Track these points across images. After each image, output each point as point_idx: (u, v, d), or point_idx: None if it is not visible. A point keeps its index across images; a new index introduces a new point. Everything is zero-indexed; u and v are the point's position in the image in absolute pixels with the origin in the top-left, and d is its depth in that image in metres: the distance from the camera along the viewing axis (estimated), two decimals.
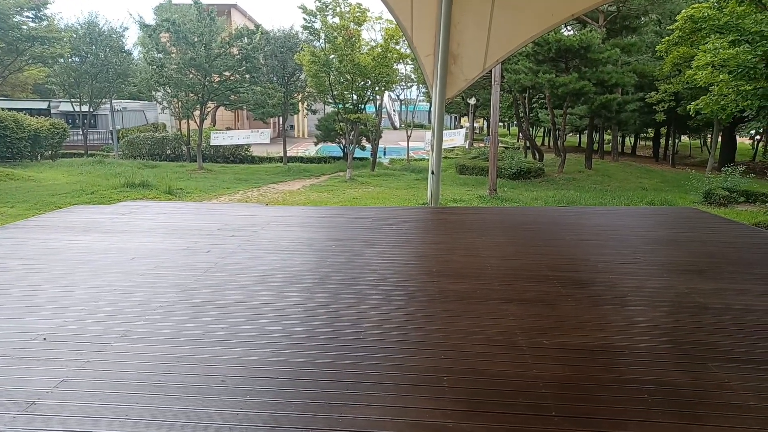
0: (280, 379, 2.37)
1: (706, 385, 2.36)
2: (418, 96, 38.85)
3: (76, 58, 25.79)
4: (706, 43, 14.21)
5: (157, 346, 2.66)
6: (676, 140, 31.73)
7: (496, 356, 2.63)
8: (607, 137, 31.12)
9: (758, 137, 33.80)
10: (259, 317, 3.05)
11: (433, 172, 7.97)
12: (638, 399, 2.24)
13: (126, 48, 27.79)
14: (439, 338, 2.84)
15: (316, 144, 29.65)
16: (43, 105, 30.51)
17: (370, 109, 25.61)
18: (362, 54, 19.86)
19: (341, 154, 27.12)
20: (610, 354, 2.66)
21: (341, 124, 22.76)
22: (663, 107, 23.27)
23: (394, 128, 49.97)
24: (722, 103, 14.44)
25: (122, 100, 30.44)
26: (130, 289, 3.47)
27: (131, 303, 3.22)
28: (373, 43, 21.27)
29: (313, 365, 2.50)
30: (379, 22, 22.87)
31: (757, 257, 4.61)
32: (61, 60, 24.16)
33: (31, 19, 18.35)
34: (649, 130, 33.94)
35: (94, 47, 25.71)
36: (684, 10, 15.51)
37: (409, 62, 26.91)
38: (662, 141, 34.12)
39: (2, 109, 21.15)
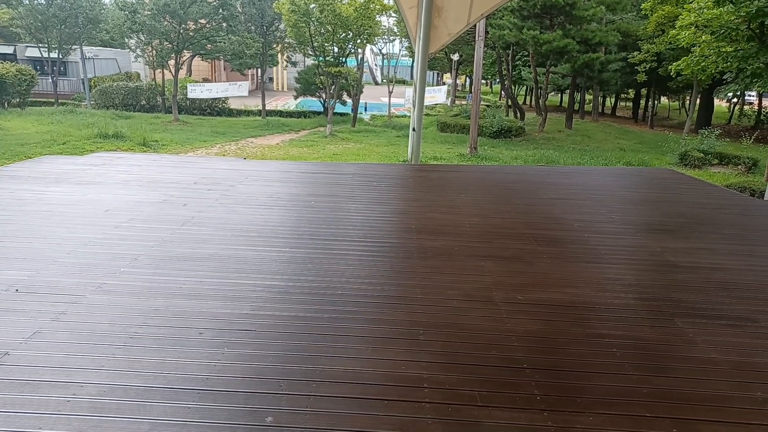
0: (257, 332, 2.38)
1: (672, 340, 2.44)
2: (400, 51, 38.01)
3: (43, 1, 24.48)
4: (691, 2, 14.10)
5: (132, 299, 2.64)
6: (656, 102, 31.89)
7: (472, 311, 2.68)
8: (588, 97, 31.10)
9: (735, 100, 34.17)
10: (237, 271, 3.03)
11: (414, 129, 7.90)
12: (607, 353, 2.31)
13: None
14: (416, 293, 2.87)
15: (295, 98, 29.02)
16: (8, 50, 29.05)
17: (351, 62, 25.05)
18: (344, 4, 19.25)
19: (321, 109, 26.65)
20: (582, 310, 2.73)
21: (322, 77, 22.25)
22: (645, 68, 23.24)
23: (376, 83, 49.14)
24: (703, 64, 14.48)
25: (93, 47, 29.16)
26: (104, 241, 3.42)
27: (106, 255, 3.17)
28: None
29: (291, 318, 2.52)
30: None
31: (727, 218, 4.73)
32: (26, 1, 22.92)
33: None
34: (630, 90, 33.99)
35: None
36: None
37: (392, 15, 26.22)
38: (642, 102, 34.26)
39: None
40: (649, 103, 31.35)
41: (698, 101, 26.01)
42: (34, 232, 3.53)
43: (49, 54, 25.97)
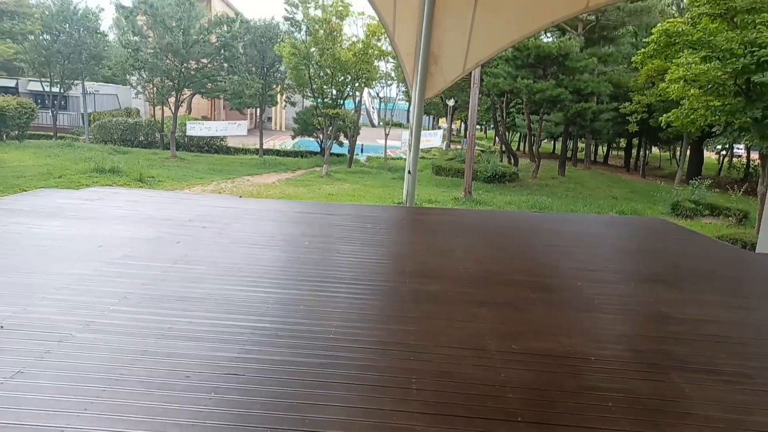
0: (246, 376, 2.33)
1: (667, 394, 2.41)
2: (397, 94, 38.82)
3: (48, 36, 25.00)
4: (680, 57, 14.57)
5: (121, 338, 2.59)
6: (647, 151, 32.50)
7: (466, 359, 2.64)
8: (580, 145, 31.68)
9: (724, 152, 34.87)
10: (228, 312, 2.99)
11: (409, 172, 7.98)
12: (603, 407, 2.27)
13: (101, 29, 27.07)
14: (409, 339, 2.84)
15: (293, 137, 29.41)
16: (11, 83, 29.47)
17: (349, 105, 25.52)
18: (343, 49, 19.77)
19: (318, 149, 26.96)
20: (576, 360, 2.70)
21: (320, 118, 22.62)
22: (636, 118, 23.79)
23: (373, 126, 49.88)
24: (692, 117, 14.84)
25: (95, 83, 29.64)
26: (95, 277, 3.38)
27: (96, 292, 3.13)
28: (354, 39, 21.18)
29: (280, 363, 2.47)
30: (362, 18, 22.73)
31: (720, 270, 4.75)
32: (32, 37, 23.40)
33: None
34: (622, 139, 34.68)
35: (67, 26, 24.96)
36: (660, 24, 15.86)
37: (390, 60, 26.88)
38: (634, 151, 34.90)
39: None
40: (641, 152, 31.94)
41: (688, 152, 26.53)
42: (27, 267, 3.48)
43: (51, 88, 26.34)
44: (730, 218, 15.77)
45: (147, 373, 2.29)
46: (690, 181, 19.26)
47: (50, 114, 26.76)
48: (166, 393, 2.15)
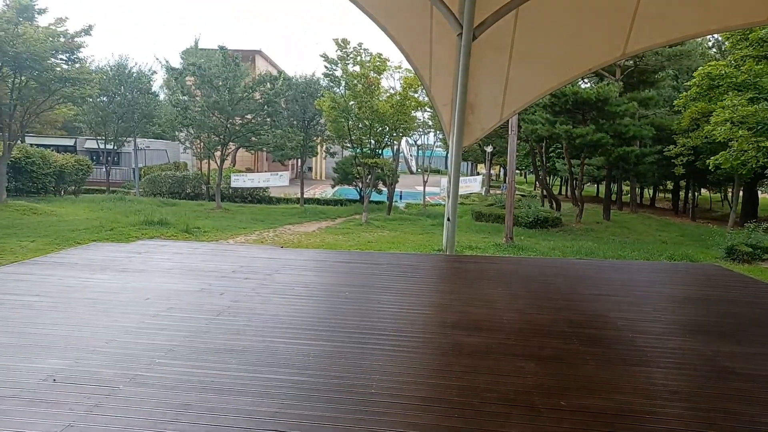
0: None
1: None
2: (435, 142, 39.27)
3: (105, 98, 26.72)
4: (724, 99, 14.27)
5: (165, 392, 2.61)
6: (696, 193, 31.46)
7: (512, 417, 2.53)
8: (625, 188, 30.98)
9: None
10: (269, 365, 2.99)
11: (449, 219, 7.96)
12: None
13: (152, 90, 28.78)
14: (452, 395, 2.75)
15: (333, 186, 29.97)
16: (70, 142, 31.48)
17: (387, 153, 25.94)
18: (381, 101, 20.27)
19: (357, 197, 27.33)
20: (631, 420, 2.55)
21: (359, 168, 23.03)
22: (682, 161, 23.19)
23: (411, 173, 50.40)
24: (742, 158, 14.36)
25: (146, 139, 31.28)
26: (142, 330, 3.46)
27: (142, 345, 3.19)
28: (392, 91, 21.73)
29: (319, 419, 2.43)
30: (399, 71, 23.36)
31: None
32: (90, 99, 25.08)
33: (64, 61, 19.13)
34: (668, 182, 33.75)
35: (122, 88, 26.67)
36: (701, 68, 15.66)
37: (427, 110, 27.38)
38: (682, 194, 33.85)
39: (31, 145, 21.83)
40: (689, 195, 30.94)
41: (741, 193, 25.53)
42: (78, 320, 3.60)
43: (105, 145, 27.93)
44: None
45: (190, 427, 2.30)
46: (745, 224, 18.42)
47: (104, 169, 28.26)
48: None
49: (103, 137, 27.68)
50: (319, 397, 2.64)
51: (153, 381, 2.73)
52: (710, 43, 28.51)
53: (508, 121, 15.46)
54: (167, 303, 4.09)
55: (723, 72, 13.56)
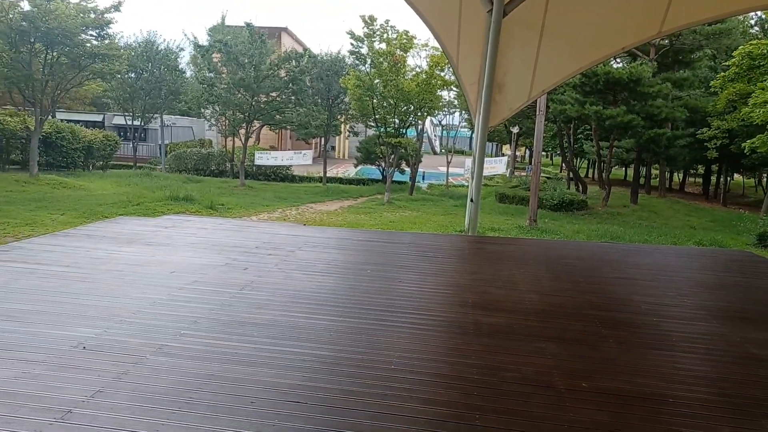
0: (308, 404, 2.34)
1: None
2: (460, 122, 38.87)
3: (132, 75, 27.04)
4: (765, 80, 13.73)
5: (189, 362, 2.68)
6: (729, 178, 30.59)
7: (533, 396, 2.53)
8: (654, 172, 30.29)
9: None
10: (291, 338, 3.04)
11: (472, 200, 7.90)
12: None
13: (180, 67, 29.00)
14: (472, 373, 2.76)
15: (356, 166, 29.98)
16: (98, 118, 32.03)
17: (411, 133, 25.79)
18: (407, 80, 20.08)
19: (380, 177, 27.31)
20: (654, 403, 2.52)
21: (382, 147, 22.96)
22: (715, 144, 22.53)
23: (434, 153, 50.08)
24: None
25: (172, 116, 31.65)
26: (168, 302, 3.53)
27: (168, 317, 3.27)
28: (417, 69, 21.48)
29: (342, 392, 2.46)
30: (425, 49, 23.10)
31: None
32: (119, 76, 25.40)
33: (94, 37, 19.38)
34: (699, 166, 32.86)
35: (150, 65, 26.94)
36: (742, 46, 15.07)
37: (453, 89, 27.03)
38: (713, 178, 32.96)
39: (61, 120, 22.28)
40: (721, 179, 30.11)
41: None
42: (106, 291, 3.70)
43: (132, 121, 28.36)
44: None
45: (213, 397, 2.35)
46: None
47: (131, 145, 28.75)
48: (232, 417, 2.19)
49: (131, 113, 28.09)
50: (341, 371, 2.68)
51: (178, 351, 2.80)
52: (753, 21, 27.37)
53: (536, 101, 15.18)
54: (192, 276, 4.17)
55: (765, 51, 13.01)
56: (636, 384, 2.71)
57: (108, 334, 2.96)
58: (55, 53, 17.62)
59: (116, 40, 21.30)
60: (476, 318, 3.59)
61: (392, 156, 22.48)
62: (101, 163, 23.30)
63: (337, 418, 2.25)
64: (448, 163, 28.56)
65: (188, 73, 31.22)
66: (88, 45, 18.78)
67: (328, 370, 2.68)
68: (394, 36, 19.92)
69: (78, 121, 25.41)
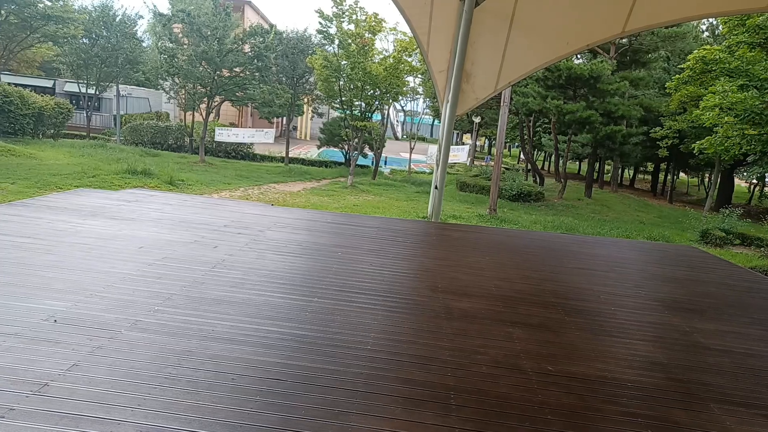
0: (288, 382, 2.38)
1: (709, 426, 2.39)
2: (423, 109, 39.06)
3: (87, 40, 25.80)
4: (715, 85, 14.41)
5: (166, 338, 2.67)
6: (675, 177, 32.03)
7: (502, 378, 2.66)
8: (607, 167, 31.35)
9: (755, 181, 34.18)
10: (268, 318, 3.06)
11: (436, 187, 8.02)
12: None
13: (138, 35, 27.85)
14: (444, 355, 2.86)
15: (318, 147, 29.70)
16: (48, 83, 30.46)
17: (375, 117, 25.72)
18: (374, 63, 19.97)
19: (343, 160, 27.18)
20: (613, 386, 2.69)
21: (347, 130, 22.83)
22: (666, 143, 23.51)
23: (396, 139, 50.17)
24: (726, 144, 14.62)
25: (128, 86, 30.43)
26: (139, 277, 3.48)
27: (140, 292, 3.22)
28: (385, 53, 21.37)
29: (321, 371, 2.52)
30: (393, 33, 23.00)
31: (756, 301, 4.67)
32: (72, 40, 24.18)
33: None
34: (650, 164, 34.24)
35: (106, 31, 25.74)
36: (696, 51, 15.72)
37: (419, 75, 27.06)
38: (661, 176, 34.42)
39: (8, 84, 21.06)
40: (668, 177, 31.49)
41: (719, 179, 26.08)
42: (73, 264, 3.61)
43: (86, 90, 27.12)
44: (762, 248, 15.42)
45: (193, 373, 2.36)
46: (720, 209, 18.91)
47: (84, 115, 27.52)
48: (214, 393, 2.21)
49: (84, 81, 26.84)
50: (319, 350, 2.72)
51: (154, 327, 2.78)
52: (704, 27, 28.54)
53: (501, 92, 15.40)
54: (161, 252, 4.10)
55: (717, 57, 13.65)
56: (597, 369, 2.88)
57: (78, 308, 2.90)
58: (3, 11, 16.62)
59: (71, 3, 20.26)
60: (446, 302, 3.70)
61: (357, 139, 22.39)
62: (52, 131, 22.18)
63: (316, 395, 2.30)
64: (411, 149, 28.69)
65: (146, 43, 30.03)
66: (41, 5, 17.80)
67: (307, 349, 2.73)
68: (363, 18, 19.73)
69: (25, 86, 24.04)
